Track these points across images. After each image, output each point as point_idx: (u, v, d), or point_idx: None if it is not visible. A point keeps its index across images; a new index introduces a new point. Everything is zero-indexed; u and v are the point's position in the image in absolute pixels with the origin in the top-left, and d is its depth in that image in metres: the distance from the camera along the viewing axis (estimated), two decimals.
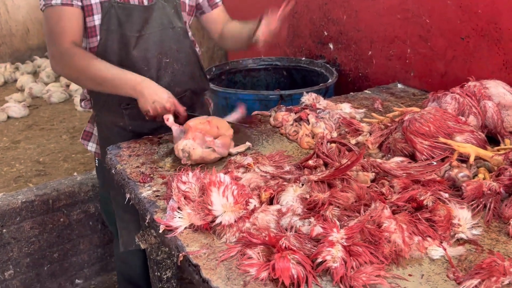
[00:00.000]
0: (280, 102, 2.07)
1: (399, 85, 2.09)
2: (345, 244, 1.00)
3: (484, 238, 1.06)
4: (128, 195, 1.35)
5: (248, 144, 1.54)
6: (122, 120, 1.72)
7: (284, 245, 0.99)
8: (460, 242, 1.06)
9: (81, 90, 1.86)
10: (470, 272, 0.94)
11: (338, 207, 1.13)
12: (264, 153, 1.52)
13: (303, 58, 2.62)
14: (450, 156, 1.34)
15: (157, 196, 1.29)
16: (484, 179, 1.26)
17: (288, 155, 1.45)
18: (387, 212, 1.04)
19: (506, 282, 0.89)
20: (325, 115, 1.64)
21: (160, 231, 1.14)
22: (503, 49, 1.70)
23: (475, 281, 0.90)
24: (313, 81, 2.58)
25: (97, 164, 1.86)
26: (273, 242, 1.00)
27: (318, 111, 1.67)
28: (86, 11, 1.58)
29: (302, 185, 1.24)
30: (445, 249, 1.02)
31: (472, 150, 1.30)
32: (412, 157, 1.38)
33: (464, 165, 1.32)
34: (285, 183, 1.27)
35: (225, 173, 1.21)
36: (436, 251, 1.02)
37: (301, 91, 2.09)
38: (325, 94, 2.18)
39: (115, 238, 2.00)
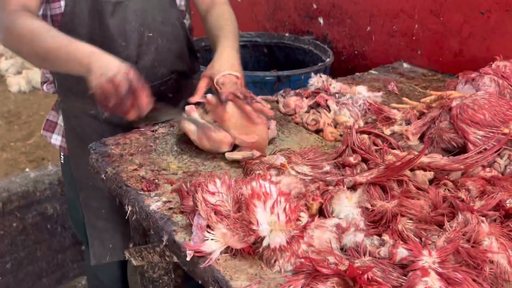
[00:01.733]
0: (276, 84, 1.83)
1: (405, 65, 1.90)
2: (439, 270, 0.79)
3: None
4: (129, 208, 1.06)
5: (252, 153, 1.17)
6: (93, 107, 1.39)
7: (369, 278, 0.77)
8: None
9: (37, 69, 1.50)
10: None
11: (411, 219, 0.92)
12: (282, 146, 1.28)
13: (287, 34, 2.37)
14: (505, 147, 1.16)
15: (170, 208, 1.01)
16: None
17: (324, 151, 1.22)
18: (485, 227, 0.84)
19: None
20: (347, 101, 1.41)
21: (188, 259, 0.88)
22: None
23: None
24: (298, 60, 2.35)
25: (62, 161, 1.54)
26: (354, 274, 0.77)
27: (337, 95, 1.44)
28: None
29: (351, 189, 1.02)
30: None
31: None
32: (463, 150, 1.19)
33: None
34: (329, 187, 1.04)
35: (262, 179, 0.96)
36: None
37: (300, 72, 1.86)
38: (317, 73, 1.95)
39: (85, 248, 1.69)
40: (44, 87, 1.45)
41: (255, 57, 2.47)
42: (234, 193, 0.94)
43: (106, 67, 1.09)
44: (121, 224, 1.55)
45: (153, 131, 1.32)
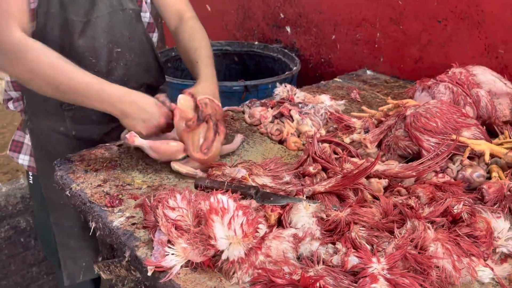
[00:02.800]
0: (244, 94, 1.86)
1: (368, 72, 1.96)
2: (388, 276, 0.83)
3: None
4: (93, 225, 1.08)
5: (196, 172, 1.21)
6: (63, 124, 1.41)
7: (320, 286, 0.80)
8: (502, 257, 0.94)
9: (1, 87, 1.50)
10: None
11: (363, 226, 0.96)
12: (247, 157, 1.32)
13: (256, 43, 2.41)
14: (456, 153, 1.22)
15: (133, 224, 1.04)
16: (499, 178, 1.16)
17: (285, 162, 1.25)
18: (431, 233, 0.89)
19: None
20: (309, 110, 1.45)
21: (149, 274, 0.90)
22: (485, 32, 1.62)
23: None
24: (268, 68, 2.39)
25: (31, 181, 1.53)
26: (307, 283, 0.80)
27: (300, 105, 1.48)
28: None
29: (311, 198, 1.06)
30: (492, 269, 0.90)
31: (487, 147, 1.19)
32: (418, 156, 1.24)
33: (475, 163, 1.21)
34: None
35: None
36: (484, 273, 0.89)
37: (267, 81, 1.90)
38: (290, 83, 1.99)
39: (57, 269, 1.69)
40: (10, 105, 1.45)
41: (226, 65, 2.50)
42: (194, 208, 0.97)
43: (146, 112, 1.20)
44: (94, 241, 1.57)
45: (119, 145, 1.34)
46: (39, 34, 1.28)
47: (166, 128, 1.24)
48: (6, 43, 1.18)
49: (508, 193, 1.09)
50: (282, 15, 2.29)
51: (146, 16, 1.52)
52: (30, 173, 1.51)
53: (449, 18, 1.69)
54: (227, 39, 2.55)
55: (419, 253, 0.87)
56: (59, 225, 1.50)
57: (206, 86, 1.35)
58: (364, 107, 1.50)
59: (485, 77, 1.51)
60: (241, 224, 0.89)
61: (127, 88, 1.22)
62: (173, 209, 0.97)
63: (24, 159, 1.48)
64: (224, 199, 0.92)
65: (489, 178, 1.17)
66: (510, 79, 1.51)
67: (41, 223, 1.60)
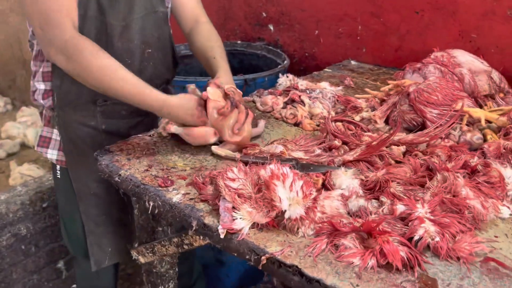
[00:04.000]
0: (244, 87, 1.98)
1: (353, 62, 2.14)
2: (432, 218, 0.98)
3: None
4: (151, 204, 1.16)
5: (235, 155, 1.31)
6: (93, 119, 1.48)
7: (381, 228, 0.94)
8: None
9: (30, 80, 1.52)
10: None
11: (398, 183, 1.11)
12: (272, 138, 1.44)
13: (239, 42, 2.54)
14: (456, 122, 1.40)
15: (191, 199, 1.13)
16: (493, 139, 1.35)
17: (313, 137, 1.39)
18: (461, 180, 1.05)
19: None
20: (318, 95, 1.60)
21: (222, 237, 1.01)
22: (458, 20, 1.84)
23: None
24: (252, 65, 2.52)
25: (58, 175, 1.58)
26: (370, 227, 0.94)
27: (308, 91, 1.62)
28: None
29: (342, 166, 1.20)
30: (509, 207, 1.07)
31: (482, 114, 1.38)
32: (422, 128, 1.42)
33: (470, 128, 1.40)
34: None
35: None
36: (504, 210, 1.06)
37: (264, 75, 2.03)
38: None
39: (81, 258, 1.73)
40: (38, 97, 1.48)
41: None
42: (251, 177, 1.08)
43: (184, 113, 1.31)
44: (119, 228, 1.63)
45: (150, 135, 1.43)
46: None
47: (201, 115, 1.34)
48: (61, 41, 1.24)
49: (504, 150, 1.28)
50: (264, 14, 2.43)
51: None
52: (58, 167, 1.55)
53: (426, 9, 1.90)
54: None
55: (453, 197, 1.03)
56: (87, 214, 1.55)
57: (228, 78, 1.47)
58: (367, 89, 1.67)
59: (464, 58, 1.72)
60: (301, 187, 1.02)
61: (164, 95, 1.30)
62: (233, 180, 1.08)
63: (52, 154, 1.53)
64: (285, 168, 1.05)
65: (485, 140, 1.36)
66: (484, 58, 1.73)
67: (67, 215, 1.64)
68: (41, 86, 1.47)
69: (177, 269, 1.50)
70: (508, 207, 1.07)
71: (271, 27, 2.43)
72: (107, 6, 1.36)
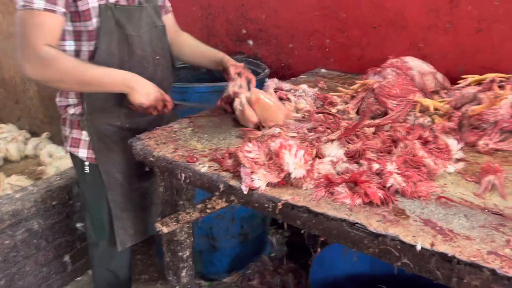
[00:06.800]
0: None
1: (323, 70, 2.53)
2: (398, 172, 1.35)
3: (468, 156, 1.53)
4: (183, 175, 1.47)
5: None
6: (118, 119, 1.78)
7: (363, 179, 1.30)
8: (456, 161, 1.50)
9: (59, 96, 1.81)
10: (481, 175, 1.38)
11: (372, 151, 1.48)
12: None
13: None
14: (410, 110, 1.80)
15: (215, 169, 1.45)
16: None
17: (301, 123, 1.74)
18: (418, 145, 1.43)
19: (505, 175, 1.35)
20: (301, 94, 1.96)
21: (245, 192, 1.33)
22: (408, 33, 2.26)
23: (491, 177, 1.34)
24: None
25: (87, 171, 1.85)
26: (355, 178, 1.30)
27: (292, 90, 1.98)
28: (83, 16, 1.59)
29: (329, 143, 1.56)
30: (453, 165, 1.46)
31: (431, 103, 1.78)
32: (385, 115, 1.80)
33: (422, 114, 1.80)
34: (314, 143, 1.57)
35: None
36: (450, 167, 1.44)
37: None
38: (262, 82, 2.49)
39: (104, 242, 1.98)
40: (70, 110, 1.76)
41: (195, 75, 2.93)
42: (263, 149, 1.42)
43: (148, 88, 1.62)
44: (139, 212, 1.92)
45: (169, 127, 1.74)
46: (103, 49, 1.64)
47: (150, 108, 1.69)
48: (37, 55, 1.51)
49: (448, 129, 1.68)
50: (244, 31, 2.80)
51: None
52: (87, 163, 1.82)
53: (382, 25, 2.32)
54: None
55: (413, 157, 1.41)
56: (114, 202, 1.83)
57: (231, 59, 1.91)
58: (340, 88, 2.05)
59: (414, 62, 2.13)
60: (303, 154, 1.37)
61: (130, 72, 1.63)
62: (249, 152, 1.41)
63: (83, 152, 1.80)
64: (290, 141, 1.39)
65: (433, 123, 1.75)
66: (430, 63, 2.14)
67: (93, 205, 1.90)
68: (73, 100, 1.77)
69: (192, 239, 1.80)
70: (453, 165, 1.45)
71: (251, 42, 2.79)
72: (125, 21, 1.67)
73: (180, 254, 1.77)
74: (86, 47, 1.65)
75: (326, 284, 1.98)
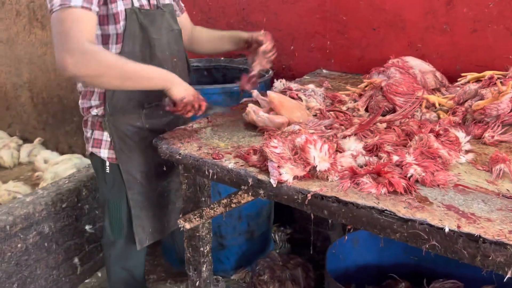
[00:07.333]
0: (241, 93, 2.39)
1: (324, 71, 2.62)
2: (416, 162, 1.44)
3: (475, 147, 1.63)
4: (210, 172, 1.53)
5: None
6: (139, 120, 1.83)
7: (386, 170, 1.39)
8: (466, 152, 1.61)
9: (81, 98, 1.85)
10: (491, 163, 1.48)
11: (389, 145, 1.57)
12: None
13: (222, 58, 2.95)
14: (418, 106, 1.90)
15: (242, 165, 1.52)
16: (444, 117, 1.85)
17: (318, 121, 1.82)
18: (433, 137, 1.52)
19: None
20: (311, 93, 2.04)
21: (274, 185, 1.40)
22: (407, 34, 2.37)
23: (502, 165, 1.44)
24: (234, 78, 2.93)
25: (108, 170, 1.88)
26: (379, 170, 1.38)
27: (302, 90, 2.07)
28: (114, 18, 1.65)
29: (343, 138, 1.64)
30: (464, 156, 1.56)
31: (436, 99, 1.88)
32: (393, 112, 1.90)
33: (428, 110, 1.90)
34: (332, 138, 1.65)
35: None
36: (462, 158, 1.54)
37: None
38: (268, 84, 2.57)
39: (122, 241, 2.01)
40: (93, 111, 1.80)
41: (197, 78, 2.99)
42: (287, 145, 1.49)
43: (185, 84, 1.68)
44: (158, 211, 1.97)
45: (190, 127, 1.80)
46: (128, 52, 1.69)
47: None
48: (80, 49, 1.49)
49: (453, 123, 1.79)
50: None
51: None
52: (108, 163, 1.86)
53: (381, 26, 2.42)
54: (196, 57, 3.05)
55: (428, 149, 1.50)
56: (134, 200, 1.88)
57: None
58: (348, 87, 2.14)
59: (414, 62, 2.24)
60: (328, 149, 1.45)
61: (165, 69, 1.69)
62: (275, 147, 1.48)
63: (104, 152, 1.85)
64: (315, 137, 1.47)
65: (439, 118, 1.86)
66: (428, 62, 2.26)
67: (113, 204, 1.94)
68: (96, 102, 1.81)
69: (211, 234, 1.86)
70: (464, 156, 1.55)
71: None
72: (148, 24, 1.73)
73: (201, 249, 1.83)
74: (113, 50, 1.70)
75: (339, 274, 2.07)
